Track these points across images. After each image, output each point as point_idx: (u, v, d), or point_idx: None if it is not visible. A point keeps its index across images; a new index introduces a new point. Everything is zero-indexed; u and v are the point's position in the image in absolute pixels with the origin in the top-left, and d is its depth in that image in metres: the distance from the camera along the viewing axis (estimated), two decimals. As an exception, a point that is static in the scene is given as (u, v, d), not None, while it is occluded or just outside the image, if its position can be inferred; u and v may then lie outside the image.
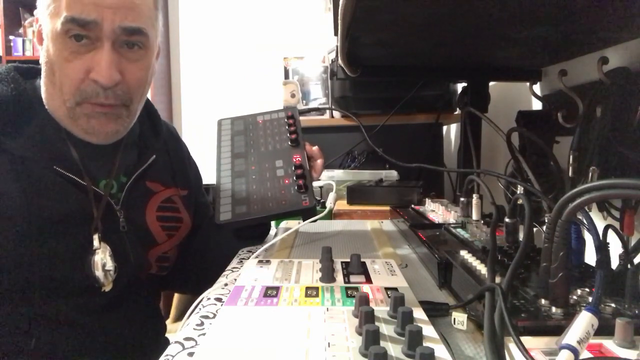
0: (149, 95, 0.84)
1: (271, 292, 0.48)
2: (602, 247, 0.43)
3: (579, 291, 0.44)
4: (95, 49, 0.67)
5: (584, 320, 0.32)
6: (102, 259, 0.70)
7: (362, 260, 0.57)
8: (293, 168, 0.79)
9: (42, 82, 0.72)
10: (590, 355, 0.34)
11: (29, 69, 0.78)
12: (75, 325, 0.71)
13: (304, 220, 0.77)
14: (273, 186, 0.77)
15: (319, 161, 0.84)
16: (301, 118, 0.94)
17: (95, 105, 0.69)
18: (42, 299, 0.68)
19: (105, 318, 0.73)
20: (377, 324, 0.36)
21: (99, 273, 0.70)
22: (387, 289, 0.49)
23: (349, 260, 0.56)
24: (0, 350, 0.67)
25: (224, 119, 0.95)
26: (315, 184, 0.84)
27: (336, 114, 1.54)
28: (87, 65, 0.67)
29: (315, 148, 0.85)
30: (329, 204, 0.82)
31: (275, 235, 0.85)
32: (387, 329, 0.38)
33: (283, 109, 0.96)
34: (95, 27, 0.66)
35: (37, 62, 0.77)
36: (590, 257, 0.47)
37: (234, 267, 0.67)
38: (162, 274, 0.85)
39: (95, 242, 0.70)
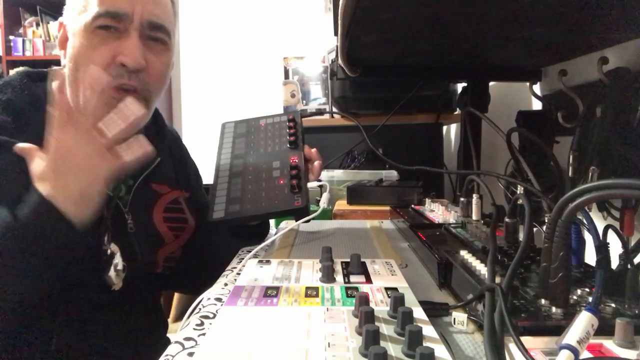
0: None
1: (271, 292, 0.48)
2: (602, 247, 0.43)
3: (579, 291, 0.44)
4: (122, 38, 0.70)
5: (584, 320, 0.32)
6: (116, 260, 0.71)
7: (362, 260, 0.57)
8: (289, 169, 0.79)
9: (67, 84, 0.73)
10: (590, 355, 0.34)
11: (39, 73, 0.79)
12: (87, 321, 0.72)
13: (296, 221, 0.77)
14: (268, 186, 0.77)
15: (317, 163, 0.84)
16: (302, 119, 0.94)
17: (117, 91, 0.70)
18: (58, 297, 0.69)
19: (111, 314, 0.75)
20: (377, 324, 0.36)
21: (112, 274, 0.71)
22: (387, 289, 0.49)
23: (349, 260, 0.56)
24: (23, 352, 0.67)
25: (227, 122, 0.95)
26: (314, 184, 0.85)
27: (336, 114, 1.54)
28: (113, 51, 0.69)
29: (313, 150, 0.85)
30: (322, 204, 0.82)
31: (275, 234, 0.85)
32: (387, 329, 0.38)
33: (285, 112, 0.96)
34: (126, 19, 0.69)
35: (36, 62, 0.77)
36: (590, 257, 0.47)
37: (233, 267, 0.67)
38: (166, 273, 0.86)
39: (106, 243, 0.71)
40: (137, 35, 0.70)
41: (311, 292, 0.48)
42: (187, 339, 0.44)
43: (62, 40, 0.74)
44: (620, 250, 0.52)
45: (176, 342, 0.43)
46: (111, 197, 0.74)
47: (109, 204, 0.73)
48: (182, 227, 0.86)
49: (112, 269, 0.71)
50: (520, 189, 0.66)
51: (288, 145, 0.85)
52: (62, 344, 0.70)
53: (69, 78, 0.73)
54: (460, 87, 1.40)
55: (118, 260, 0.72)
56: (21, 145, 0.62)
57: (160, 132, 0.89)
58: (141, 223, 0.79)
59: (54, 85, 0.76)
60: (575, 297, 0.43)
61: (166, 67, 0.77)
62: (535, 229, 0.61)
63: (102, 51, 0.69)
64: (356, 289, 0.49)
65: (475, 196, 0.77)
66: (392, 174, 1.32)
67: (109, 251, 0.71)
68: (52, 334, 0.69)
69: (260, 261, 0.60)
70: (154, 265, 0.81)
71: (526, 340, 0.36)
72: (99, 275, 0.70)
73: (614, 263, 0.50)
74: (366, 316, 0.37)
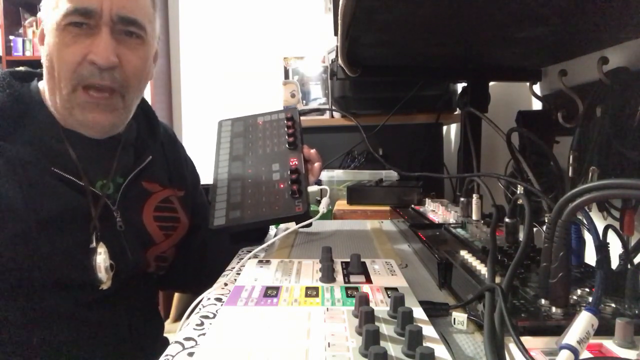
0: (148, 96, 0.85)
1: (271, 292, 0.48)
2: (602, 247, 0.43)
3: (579, 291, 0.44)
4: (94, 35, 0.69)
5: (584, 320, 0.32)
6: (105, 260, 0.71)
7: (362, 260, 0.57)
8: (289, 172, 0.78)
9: (44, 80, 0.73)
10: (590, 355, 0.34)
11: (25, 73, 0.79)
12: (74, 320, 0.71)
13: (296, 224, 0.77)
14: (268, 191, 0.77)
15: (317, 164, 0.84)
16: (301, 118, 0.93)
17: (89, 94, 0.70)
18: (42, 295, 0.69)
19: (103, 314, 0.74)
20: (377, 324, 0.36)
21: (101, 275, 0.70)
22: (387, 289, 0.49)
23: (349, 260, 0.56)
24: (3, 347, 0.67)
25: (224, 120, 0.94)
26: (314, 187, 0.84)
27: (336, 114, 1.54)
28: (85, 49, 0.69)
29: (313, 151, 0.84)
30: (321, 208, 0.82)
31: (275, 235, 0.85)
32: (387, 329, 0.38)
33: (283, 109, 0.95)
34: (95, 15, 0.68)
35: (36, 62, 0.77)
36: (590, 257, 0.47)
37: (233, 267, 0.67)
38: (160, 273, 0.85)
39: (93, 241, 0.71)
40: (108, 32, 0.69)
41: (311, 292, 0.48)
42: (187, 339, 0.44)
43: (41, 37, 0.73)
44: (620, 250, 0.52)
45: (176, 342, 0.43)
46: (99, 196, 0.74)
47: (97, 203, 0.73)
48: (174, 226, 0.85)
49: (100, 268, 0.70)
50: (520, 189, 0.66)
51: (287, 146, 0.84)
52: (49, 341, 0.69)
53: (45, 76, 0.72)
54: (460, 87, 1.40)
55: (106, 259, 0.71)
56: None
57: (153, 129, 0.88)
58: (130, 222, 0.78)
59: (41, 84, 0.76)
60: (575, 297, 0.43)
61: (143, 61, 0.75)
62: (535, 229, 0.61)
63: (74, 49, 0.68)
64: (356, 289, 0.49)
65: (475, 196, 0.77)
66: (392, 174, 1.32)
67: (98, 251, 0.71)
68: (33, 330, 0.68)
69: (260, 261, 0.60)
70: (144, 264, 0.80)
71: (526, 340, 0.36)
72: (87, 274, 0.70)
73: (614, 263, 0.50)
74: (366, 316, 0.37)
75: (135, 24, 0.72)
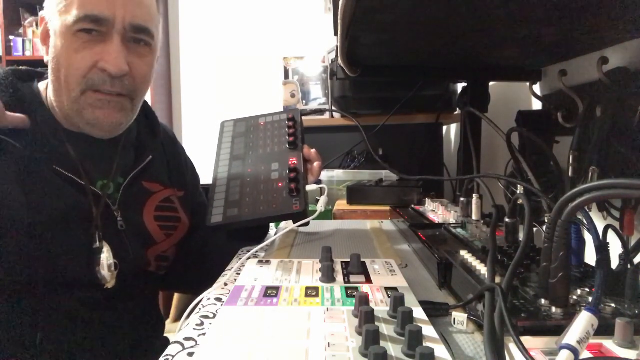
0: (148, 96, 0.85)
1: (271, 292, 0.48)
2: (602, 247, 0.43)
3: (579, 291, 0.44)
4: (105, 42, 0.69)
5: (584, 320, 0.32)
6: (108, 258, 0.71)
7: (362, 260, 0.57)
8: (287, 171, 0.79)
9: (49, 81, 0.74)
10: (590, 355, 0.34)
11: (27, 72, 0.79)
12: (78, 319, 0.72)
13: (294, 223, 0.77)
14: (266, 189, 0.77)
15: (316, 164, 0.84)
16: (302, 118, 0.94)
17: (99, 94, 0.71)
18: (46, 294, 0.69)
19: (105, 313, 0.74)
20: (377, 324, 0.36)
21: (105, 272, 0.71)
22: (387, 289, 0.49)
23: (349, 260, 0.56)
24: (8, 346, 0.68)
25: (226, 121, 0.95)
26: (314, 186, 0.85)
27: (336, 114, 1.54)
28: (96, 56, 0.69)
29: (312, 151, 0.85)
30: (319, 207, 0.82)
31: (275, 234, 0.85)
32: (387, 329, 0.38)
33: (285, 110, 0.95)
34: (107, 23, 0.68)
35: (36, 63, 0.77)
36: (590, 257, 0.47)
37: (233, 267, 0.67)
38: (161, 273, 0.85)
39: (97, 241, 0.71)
40: (120, 40, 0.70)
41: (311, 292, 0.48)
42: (187, 339, 0.44)
43: (44, 36, 0.73)
44: (620, 250, 0.52)
45: (176, 342, 0.43)
46: (100, 195, 0.74)
47: (98, 202, 0.73)
48: (175, 226, 0.86)
49: (104, 266, 0.71)
50: (520, 189, 0.66)
51: (287, 146, 0.84)
52: (52, 340, 0.69)
53: (50, 77, 0.72)
54: (460, 87, 1.40)
55: (109, 257, 0.72)
56: None
57: (153, 129, 0.89)
58: (131, 221, 0.78)
59: (41, 85, 0.76)
60: (575, 297, 0.43)
61: (150, 68, 0.76)
62: (535, 229, 0.61)
63: (85, 55, 0.68)
64: (356, 289, 0.49)
65: (475, 196, 0.77)
66: (392, 174, 1.32)
67: (102, 249, 0.71)
68: (37, 329, 0.68)
69: (260, 261, 0.60)
70: (145, 263, 0.81)
71: (526, 340, 0.36)
72: (91, 273, 0.70)
73: (614, 263, 0.50)
74: (366, 316, 0.37)
75: (146, 32, 0.72)
